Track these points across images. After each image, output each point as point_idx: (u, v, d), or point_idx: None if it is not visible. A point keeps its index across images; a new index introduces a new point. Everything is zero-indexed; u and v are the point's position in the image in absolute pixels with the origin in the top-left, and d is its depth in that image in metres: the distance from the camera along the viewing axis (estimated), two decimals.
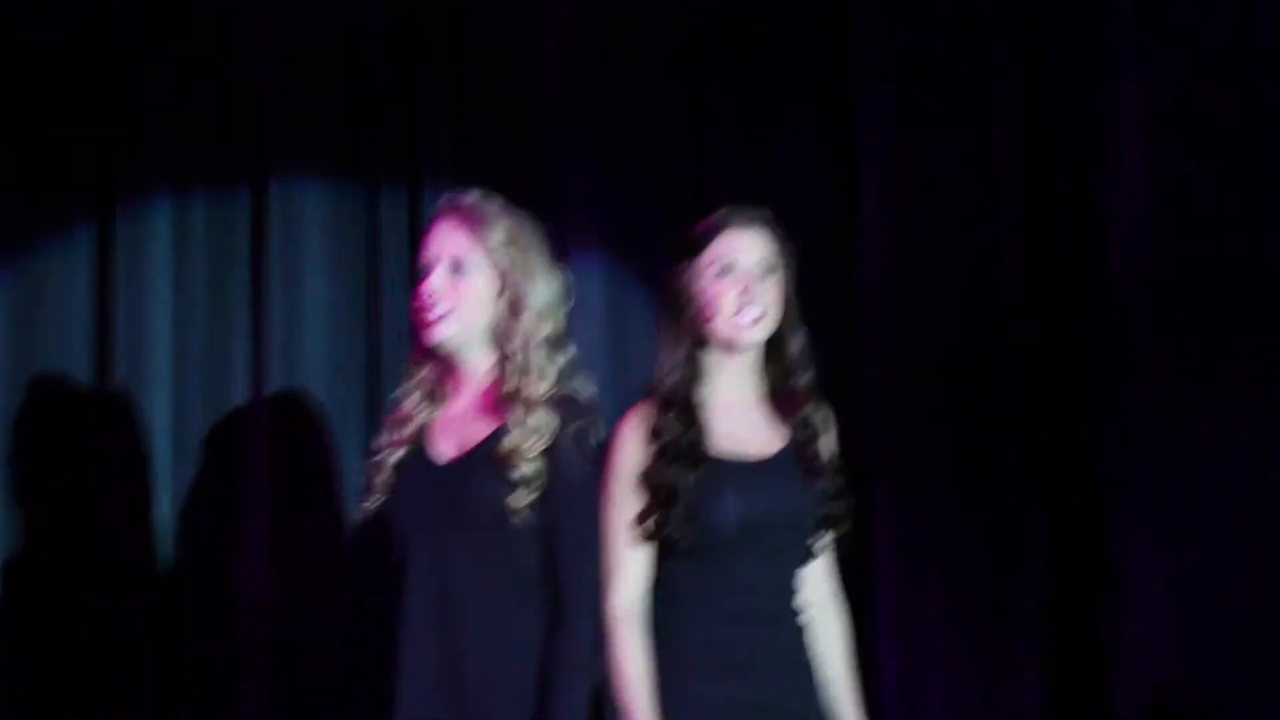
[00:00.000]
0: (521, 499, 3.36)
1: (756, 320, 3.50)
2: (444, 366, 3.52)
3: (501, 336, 3.45)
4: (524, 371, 3.42)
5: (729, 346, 3.53)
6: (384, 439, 3.53)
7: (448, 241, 3.47)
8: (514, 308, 3.44)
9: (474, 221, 3.46)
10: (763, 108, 4.81)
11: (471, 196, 3.51)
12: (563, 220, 4.49)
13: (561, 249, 3.63)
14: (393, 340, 4.53)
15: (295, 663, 4.52)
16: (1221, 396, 4.70)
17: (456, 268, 3.45)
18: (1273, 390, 4.70)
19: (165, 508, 4.58)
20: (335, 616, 3.98)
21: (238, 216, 4.66)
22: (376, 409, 4.42)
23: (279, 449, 4.60)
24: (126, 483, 4.56)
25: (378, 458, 3.52)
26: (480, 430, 3.45)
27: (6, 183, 4.60)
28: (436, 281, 3.45)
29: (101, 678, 4.51)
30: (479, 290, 3.46)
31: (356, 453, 3.71)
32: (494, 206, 3.50)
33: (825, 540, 3.62)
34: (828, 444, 3.62)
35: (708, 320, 3.52)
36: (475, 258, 3.45)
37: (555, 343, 3.47)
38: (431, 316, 3.43)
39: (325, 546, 4.53)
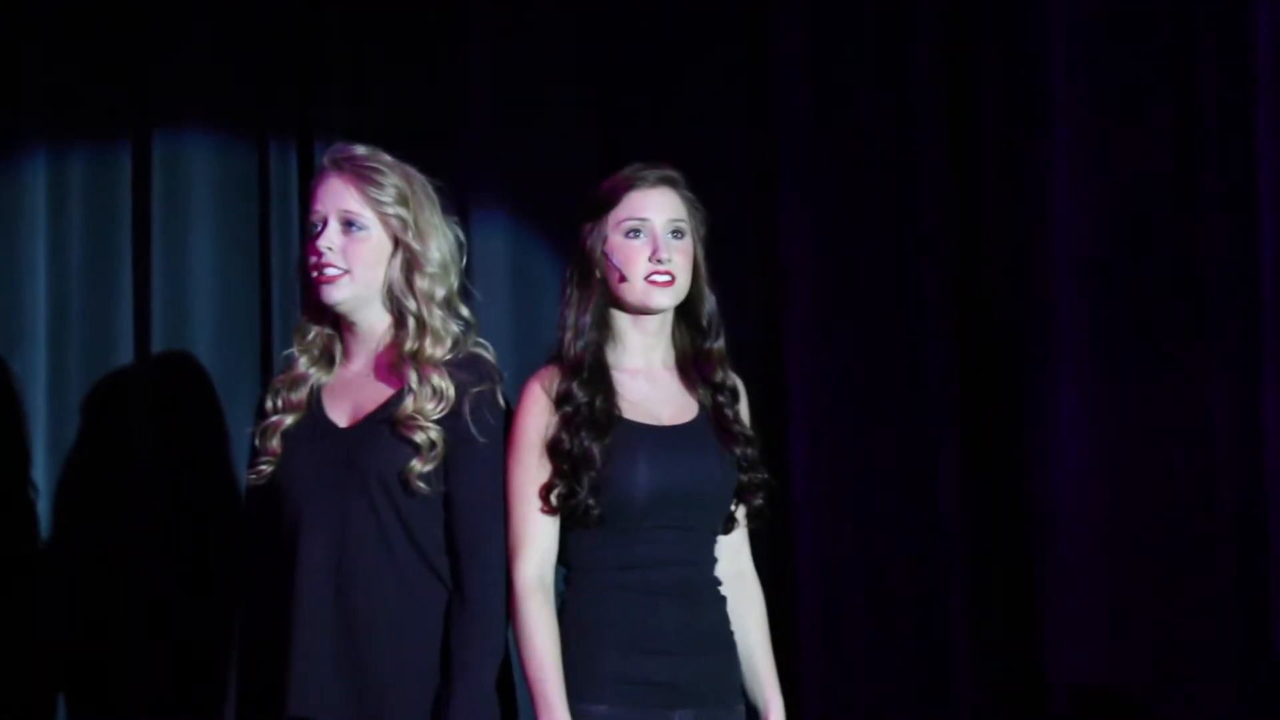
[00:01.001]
0: (422, 465, 3.31)
1: (668, 283, 3.44)
2: (338, 327, 3.47)
3: (398, 297, 3.40)
4: (421, 332, 3.37)
5: (639, 311, 3.47)
6: (275, 403, 3.47)
7: (337, 198, 3.41)
8: (409, 267, 3.39)
9: (365, 177, 3.40)
10: (672, 63, 4.81)
11: (361, 149, 3.45)
12: (464, 176, 4.50)
13: (460, 205, 3.64)
14: (284, 299, 4.50)
15: (185, 639, 4.47)
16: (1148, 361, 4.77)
17: (348, 226, 3.40)
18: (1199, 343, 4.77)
19: (42, 477, 4.52)
20: (224, 589, 3.89)
21: (118, 170, 4.58)
22: (268, 372, 4.43)
23: (164, 415, 4.54)
24: (1, 450, 4.48)
25: (268, 422, 3.45)
26: (378, 394, 3.40)
27: None
28: (327, 240, 3.39)
29: None
30: (373, 250, 3.40)
31: (246, 418, 3.63)
32: (385, 160, 3.44)
33: (741, 512, 3.56)
34: (741, 412, 3.57)
35: (617, 283, 3.46)
36: (368, 215, 3.40)
37: (453, 302, 3.44)
38: (324, 278, 3.38)
39: (214, 517, 4.47)
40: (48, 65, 4.57)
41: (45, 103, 4.57)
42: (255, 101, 4.63)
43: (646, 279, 3.44)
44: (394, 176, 3.41)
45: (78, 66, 4.57)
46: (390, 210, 3.38)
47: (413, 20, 4.72)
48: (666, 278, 3.44)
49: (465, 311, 3.44)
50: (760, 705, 3.54)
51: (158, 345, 4.56)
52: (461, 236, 3.48)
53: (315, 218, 3.42)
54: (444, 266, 3.41)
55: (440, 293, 3.40)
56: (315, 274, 3.39)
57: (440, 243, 3.42)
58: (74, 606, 4.49)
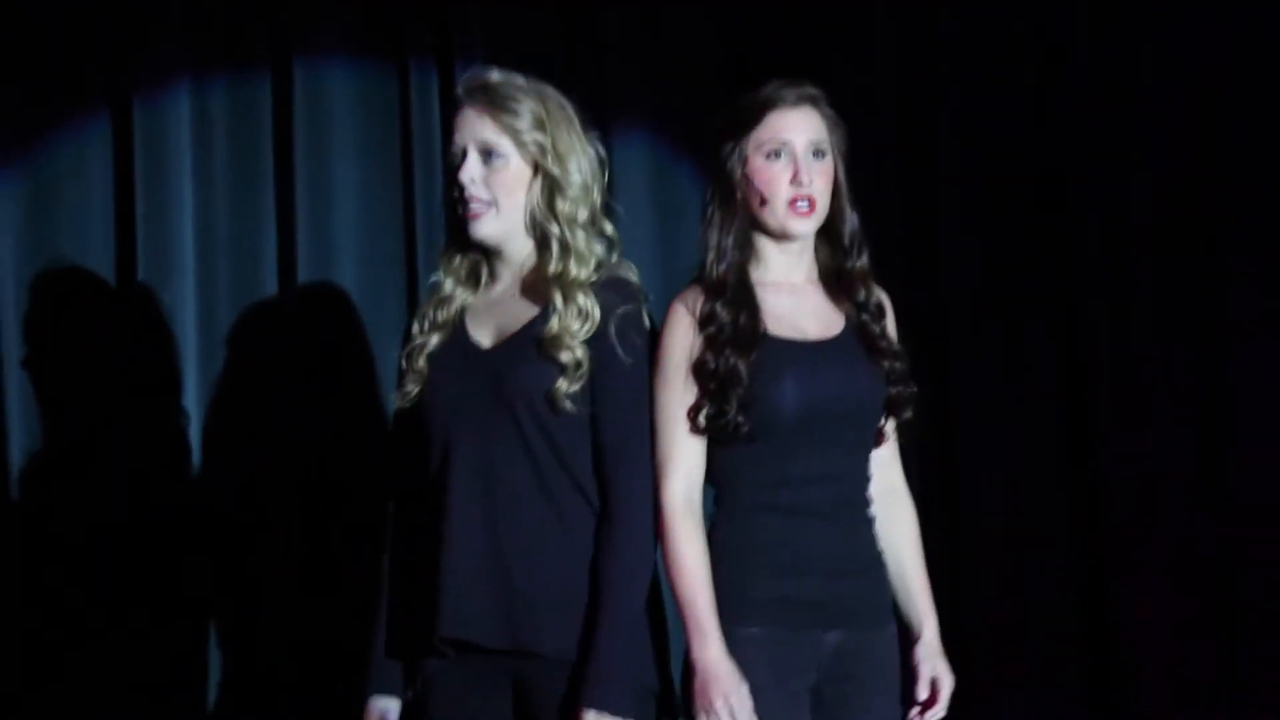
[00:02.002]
0: (568, 385, 3.30)
1: (808, 211, 3.41)
2: (483, 251, 3.47)
3: (540, 222, 3.39)
4: (565, 255, 3.36)
5: (781, 235, 3.45)
6: (421, 325, 3.47)
7: (474, 128, 3.39)
8: (550, 191, 3.38)
9: (499, 105, 3.38)
10: None
11: (495, 75, 3.42)
12: (604, 93, 4.53)
13: (600, 121, 3.58)
14: (427, 224, 4.52)
15: (324, 565, 4.51)
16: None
17: (487, 156, 3.38)
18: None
19: (193, 405, 4.56)
20: (370, 516, 3.93)
21: (260, 99, 4.60)
22: (413, 297, 4.46)
23: (311, 341, 4.58)
24: (152, 381, 4.53)
25: (414, 344, 3.46)
26: (523, 314, 3.40)
27: (15, 73, 4.51)
28: (468, 172, 3.38)
29: (126, 580, 4.50)
30: (514, 178, 3.38)
31: (393, 342, 3.62)
32: (519, 85, 3.41)
33: (890, 426, 3.53)
34: (888, 327, 3.54)
35: (758, 206, 3.43)
36: (505, 144, 3.38)
37: (596, 221, 3.42)
38: (470, 213, 3.38)
39: (362, 440, 4.49)
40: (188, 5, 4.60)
41: (187, 36, 4.59)
42: (392, 23, 4.62)
43: (788, 204, 3.41)
44: (529, 101, 3.38)
45: None
46: (527, 136, 3.37)
47: None
48: (807, 204, 3.41)
49: (609, 229, 3.43)
50: (914, 623, 3.53)
51: (304, 275, 4.60)
52: (603, 152, 3.46)
53: (455, 149, 3.41)
54: (585, 188, 3.40)
55: (583, 214, 3.39)
56: (461, 209, 3.40)
57: (581, 162, 3.40)
58: (224, 542, 4.56)
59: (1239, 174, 4.75)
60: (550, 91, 3.42)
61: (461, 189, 3.37)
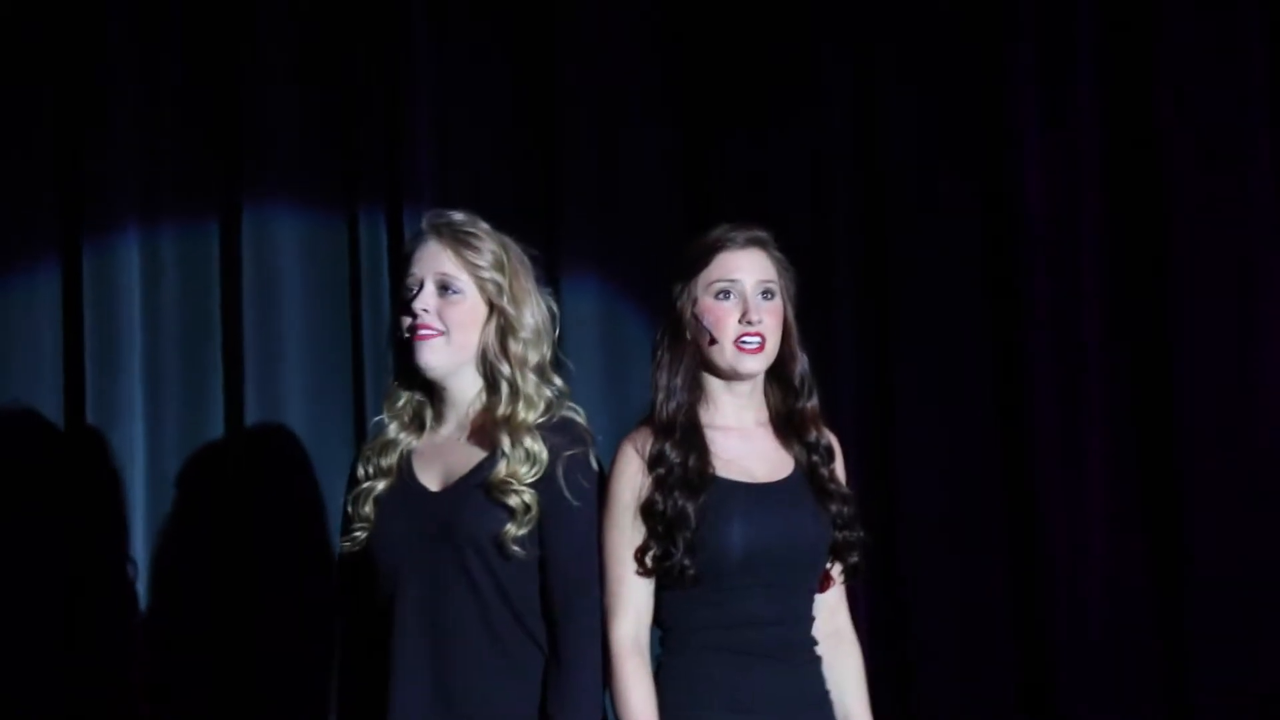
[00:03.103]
0: (516, 529, 3.29)
1: (758, 348, 3.42)
2: (429, 392, 3.46)
3: (491, 361, 3.39)
4: (515, 397, 3.36)
5: (730, 375, 3.45)
6: (366, 469, 3.46)
7: (434, 261, 3.40)
8: (503, 331, 3.39)
9: (462, 241, 3.40)
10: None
11: (459, 216, 3.45)
12: (555, 241, 4.56)
13: (550, 271, 3.67)
14: (375, 367, 4.49)
15: (278, 706, 4.48)
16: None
17: (444, 289, 3.39)
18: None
19: (140, 547, 4.53)
20: (320, 658, 3.88)
21: (209, 244, 4.63)
22: (361, 440, 4.37)
23: (258, 483, 4.56)
24: (100, 522, 4.51)
25: (360, 489, 3.44)
26: (470, 457, 3.38)
27: None
28: (424, 301, 3.38)
29: None
30: (468, 313, 3.40)
31: (340, 487, 3.56)
32: (482, 227, 3.44)
33: (837, 570, 3.52)
34: (837, 470, 3.54)
35: (707, 345, 3.44)
36: (464, 279, 3.39)
37: (546, 372, 3.42)
38: (420, 337, 3.37)
39: (309, 585, 4.45)
40: (140, 146, 4.61)
41: (138, 183, 4.61)
42: (343, 172, 4.65)
43: (736, 342, 3.41)
44: (490, 242, 3.41)
45: (167, 145, 4.62)
46: (486, 274, 3.38)
47: (499, 87, 4.76)
48: (756, 341, 3.41)
49: (559, 382, 3.43)
50: None
51: (251, 417, 4.57)
52: (555, 308, 3.48)
53: (411, 280, 3.41)
54: (537, 333, 3.40)
55: (534, 358, 3.39)
56: (410, 335, 3.38)
57: (535, 310, 3.41)
58: (172, 680, 4.51)
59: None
60: (510, 241, 3.45)
61: (414, 316, 3.37)
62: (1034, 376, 4.77)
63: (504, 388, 3.37)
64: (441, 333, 3.37)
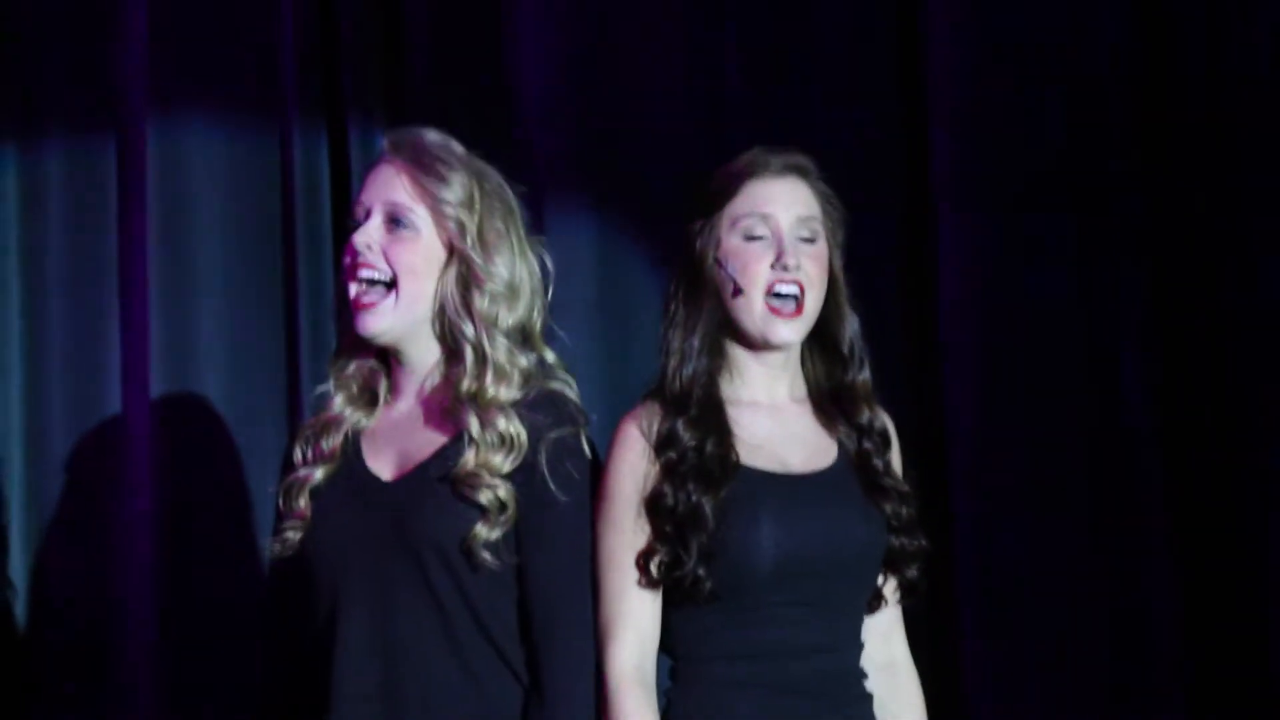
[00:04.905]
0: (488, 532, 3.01)
1: (794, 312, 3.14)
2: (383, 358, 3.21)
3: (451, 319, 3.13)
4: (481, 367, 3.09)
5: (759, 343, 3.19)
6: (303, 452, 3.19)
7: (386, 188, 3.14)
8: (464, 281, 3.12)
9: (423, 167, 3.14)
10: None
11: (431, 134, 3.19)
12: (533, 156, 4.22)
13: (533, 193, 3.33)
14: (313, 324, 4.23)
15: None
16: None
17: (394, 222, 3.12)
18: None
19: (18, 541, 4.21)
20: (243, 685, 3.63)
21: (104, 167, 4.27)
22: (296, 415, 4.12)
23: (166, 468, 4.22)
24: None
25: (294, 477, 3.17)
26: (430, 441, 3.11)
27: None
28: (366, 235, 3.11)
29: None
30: (421, 256, 3.12)
31: (269, 471, 3.35)
32: (455, 152, 3.18)
33: (890, 586, 3.24)
34: (893, 460, 3.27)
35: (731, 297, 3.16)
36: (420, 212, 3.12)
37: (530, 340, 3.16)
38: (361, 303, 3.11)
39: (229, 595, 4.16)
40: (18, 43, 4.27)
41: (17, 95, 4.27)
42: (273, 77, 4.31)
43: (768, 294, 3.12)
44: (461, 172, 3.14)
45: (52, 39, 4.26)
46: (450, 210, 3.11)
47: None
48: (793, 294, 3.11)
49: (550, 356, 3.17)
50: None
51: (158, 384, 4.24)
52: (549, 265, 3.21)
53: (358, 209, 3.17)
54: (512, 288, 3.12)
55: (507, 318, 3.11)
56: (350, 281, 3.12)
57: (513, 262, 3.14)
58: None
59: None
60: (492, 173, 3.19)
61: (355, 255, 3.13)
62: None
63: (468, 353, 3.09)
64: (387, 286, 3.11)
